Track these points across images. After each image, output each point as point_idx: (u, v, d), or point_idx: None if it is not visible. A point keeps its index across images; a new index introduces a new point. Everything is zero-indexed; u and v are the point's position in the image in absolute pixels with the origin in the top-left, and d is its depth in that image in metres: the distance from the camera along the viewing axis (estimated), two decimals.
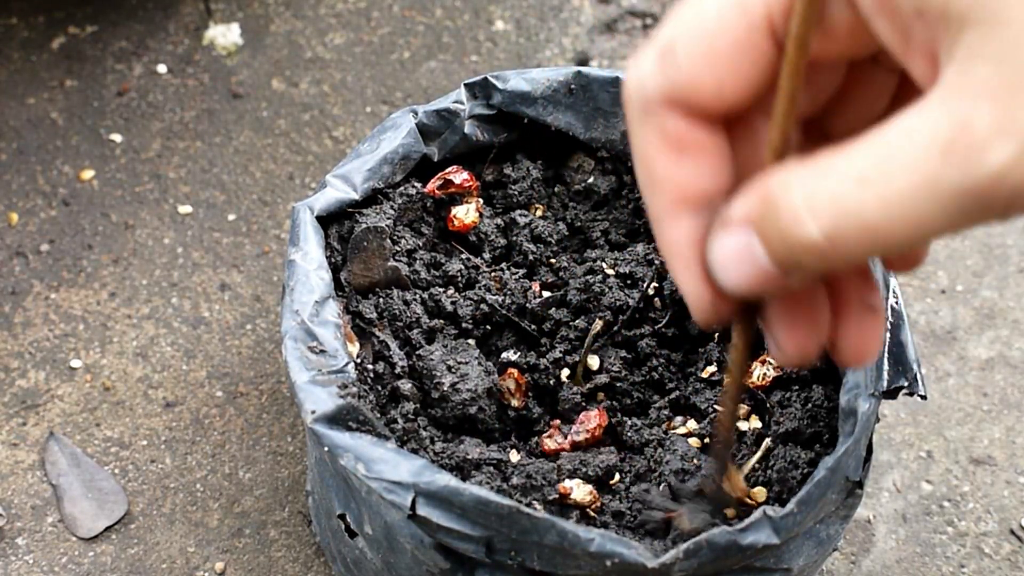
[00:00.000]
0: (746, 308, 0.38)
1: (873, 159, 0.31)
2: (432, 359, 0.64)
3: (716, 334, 0.68)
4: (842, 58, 0.36)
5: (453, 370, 0.64)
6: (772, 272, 0.34)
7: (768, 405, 0.64)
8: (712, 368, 0.67)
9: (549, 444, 0.63)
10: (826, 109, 0.38)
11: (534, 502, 0.60)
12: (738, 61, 0.34)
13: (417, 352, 0.65)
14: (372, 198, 0.68)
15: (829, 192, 0.31)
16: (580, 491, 0.60)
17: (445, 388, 0.63)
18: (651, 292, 0.68)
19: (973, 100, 0.29)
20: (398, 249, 0.68)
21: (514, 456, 0.63)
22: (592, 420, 0.64)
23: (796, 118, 0.35)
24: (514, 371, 0.65)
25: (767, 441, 0.61)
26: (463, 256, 0.70)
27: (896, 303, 0.60)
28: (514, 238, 0.70)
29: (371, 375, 0.63)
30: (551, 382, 0.66)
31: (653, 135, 0.35)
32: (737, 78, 0.34)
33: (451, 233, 0.70)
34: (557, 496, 0.60)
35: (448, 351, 0.65)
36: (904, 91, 0.37)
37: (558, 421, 0.64)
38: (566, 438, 0.64)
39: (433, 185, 0.69)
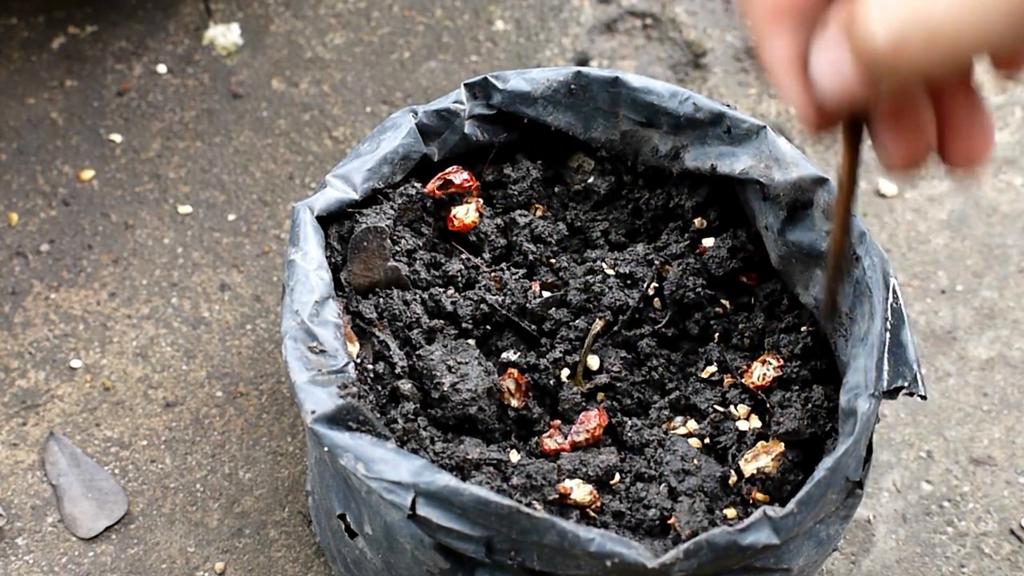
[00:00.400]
0: (852, 119, 0.39)
1: None
2: (432, 359, 0.64)
3: (716, 334, 0.68)
4: None
5: (453, 370, 0.64)
6: (859, 82, 0.34)
7: (768, 405, 0.64)
8: (712, 368, 0.67)
9: (549, 444, 0.64)
10: None
11: (534, 502, 0.60)
12: None
13: (417, 352, 0.65)
14: (372, 198, 0.68)
15: (895, 2, 0.32)
16: (580, 491, 0.60)
17: (445, 388, 0.63)
18: (651, 292, 0.68)
19: None
20: (398, 249, 0.68)
21: (514, 456, 0.63)
22: (592, 420, 0.64)
23: None
24: (514, 371, 0.65)
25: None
26: (463, 256, 0.70)
27: (896, 303, 0.60)
28: (514, 238, 0.70)
29: (371, 375, 0.63)
30: (551, 382, 0.66)
31: None
32: None
33: (451, 233, 0.70)
34: (557, 496, 0.60)
35: (448, 351, 0.65)
36: None
37: (558, 421, 0.64)
38: (566, 438, 0.64)
39: (433, 185, 0.69)
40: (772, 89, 0.99)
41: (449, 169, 0.69)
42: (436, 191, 0.69)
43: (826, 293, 0.56)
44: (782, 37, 0.37)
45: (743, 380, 0.65)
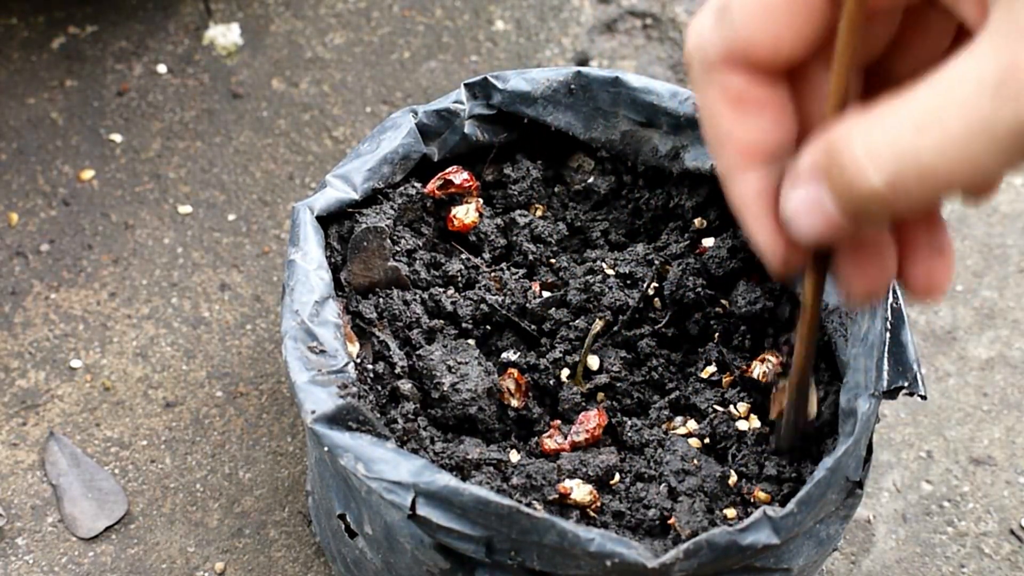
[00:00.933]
0: (817, 255, 0.40)
1: (927, 105, 0.31)
2: (432, 359, 0.64)
3: (716, 334, 0.68)
4: (898, 5, 0.37)
5: (453, 370, 0.64)
6: (841, 221, 0.35)
7: (766, 404, 0.64)
8: (712, 368, 0.67)
9: (549, 444, 0.64)
10: (885, 54, 0.38)
11: (534, 502, 0.60)
12: (793, 15, 0.35)
13: (417, 352, 0.65)
14: (372, 198, 0.68)
15: (888, 141, 0.32)
16: (580, 491, 0.60)
17: (445, 388, 0.63)
18: (651, 292, 0.68)
19: (1020, 40, 0.30)
20: (398, 249, 0.68)
21: (514, 456, 0.63)
22: (592, 420, 0.64)
23: (855, 67, 0.36)
24: (514, 371, 0.65)
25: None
26: (463, 256, 0.70)
27: (896, 303, 0.60)
28: (514, 238, 0.70)
29: (371, 375, 0.63)
30: (551, 382, 0.66)
31: (715, 93, 0.36)
32: (793, 32, 0.35)
33: (451, 233, 0.70)
34: (557, 496, 0.60)
35: (448, 351, 0.65)
36: (962, 35, 0.37)
37: (558, 421, 0.64)
38: (566, 438, 0.64)
39: (433, 185, 0.69)
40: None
41: (449, 169, 0.69)
42: (436, 191, 0.69)
43: (786, 416, 0.57)
44: (751, 176, 0.37)
45: (746, 374, 0.65)
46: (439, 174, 0.69)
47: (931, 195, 0.32)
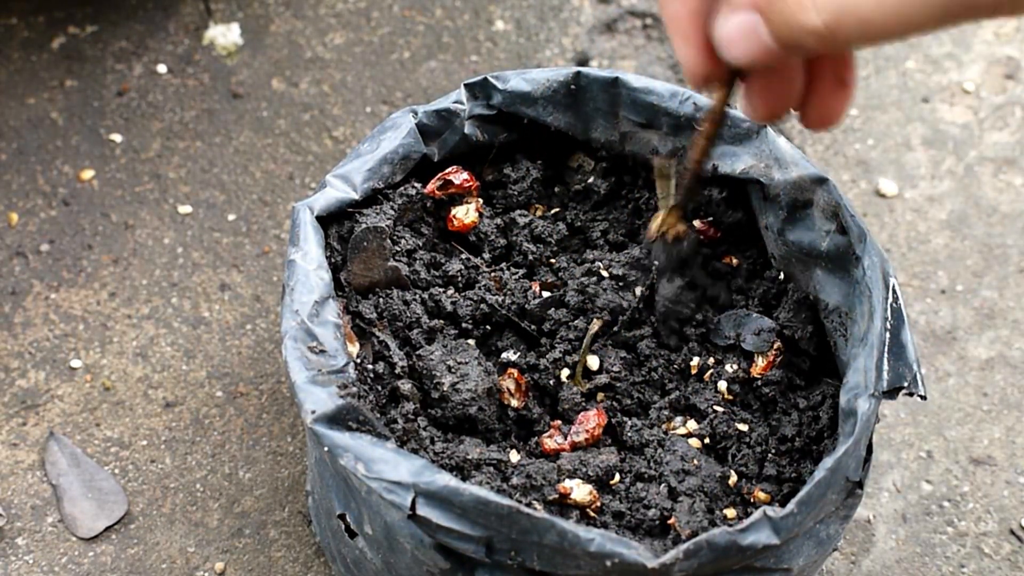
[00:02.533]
0: (731, 72, 0.44)
1: None
2: (432, 359, 0.64)
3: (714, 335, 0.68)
4: None
5: (453, 370, 0.64)
6: (772, 50, 0.39)
7: (766, 404, 0.64)
8: (711, 368, 0.67)
9: (549, 444, 0.64)
10: None
11: (534, 502, 0.60)
12: None
13: (417, 352, 0.65)
14: (372, 198, 0.68)
15: None
16: (580, 491, 0.60)
17: (445, 388, 0.63)
18: (650, 292, 0.68)
19: None
20: (398, 249, 0.68)
21: (514, 456, 0.63)
22: (591, 420, 0.64)
23: None
24: (514, 371, 0.65)
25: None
26: (463, 256, 0.70)
27: (896, 303, 0.60)
28: (514, 238, 0.70)
29: (371, 375, 0.63)
30: (551, 382, 0.66)
31: None
32: None
33: (451, 233, 0.70)
34: (557, 496, 0.60)
35: (448, 351, 0.65)
36: None
37: (558, 421, 0.64)
38: (566, 438, 0.64)
39: (433, 186, 0.69)
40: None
41: (449, 169, 0.69)
42: (436, 191, 0.69)
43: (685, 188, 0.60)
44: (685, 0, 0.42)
45: (749, 372, 0.65)
46: (439, 174, 0.69)
47: (862, 40, 0.36)
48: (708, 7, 0.42)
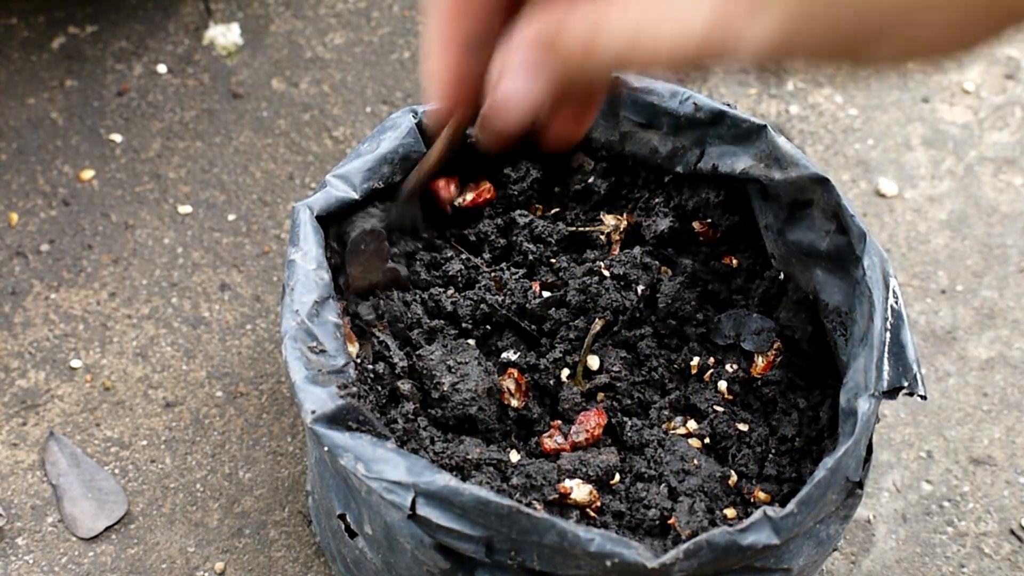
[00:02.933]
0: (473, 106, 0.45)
1: (648, 19, 0.37)
2: (432, 359, 0.64)
3: (714, 335, 0.68)
4: None
5: (453, 370, 0.64)
6: (549, 87, 0.40)
7: (766, 404, 0.64)
8: (711, 368, 0.67)
9: (549, 444, 0.63)
10: None
11: (534, 502, 0.60)
12: None
13: (417, 352, 0.65)
14: (372, 198, 0.68)
15: (616, 20, 0.38)
16: (580, 491, 0.60)
17: (445, 388, 0.63)
18: (650, 293, 0.68)
19: None
20: (396, 251, 0.68)
21: (514, 456, 0.63)
22: (591, 420, 0.64)
23: None
24: (514, 371, 0.65)
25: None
26: (463, 256, 0.70)
27: (896, 303, 0.60)
28: (514, 238, 0.70)
29: (371, 375, 0.63)
30: (551, 382, 0.66)
31: None
32: None
33: (450, 225, 0.71)
34: (557, 496, 0.60)
35: (448, 351, 0.65)
36: None
37: (558, 421, 0.64)
38: (566, 438, 0.64)
39: (455, 197, 0.70)
40: (772, 89, 0.99)
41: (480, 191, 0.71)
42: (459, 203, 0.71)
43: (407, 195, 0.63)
44: (455, 23, 0.42)
45: (750, 371, 0.65)
46: (463, 196, 0.71)
47: (644, 65, 0.38)
48: (483, 37, 0.42)
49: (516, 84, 0.41)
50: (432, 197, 0.70)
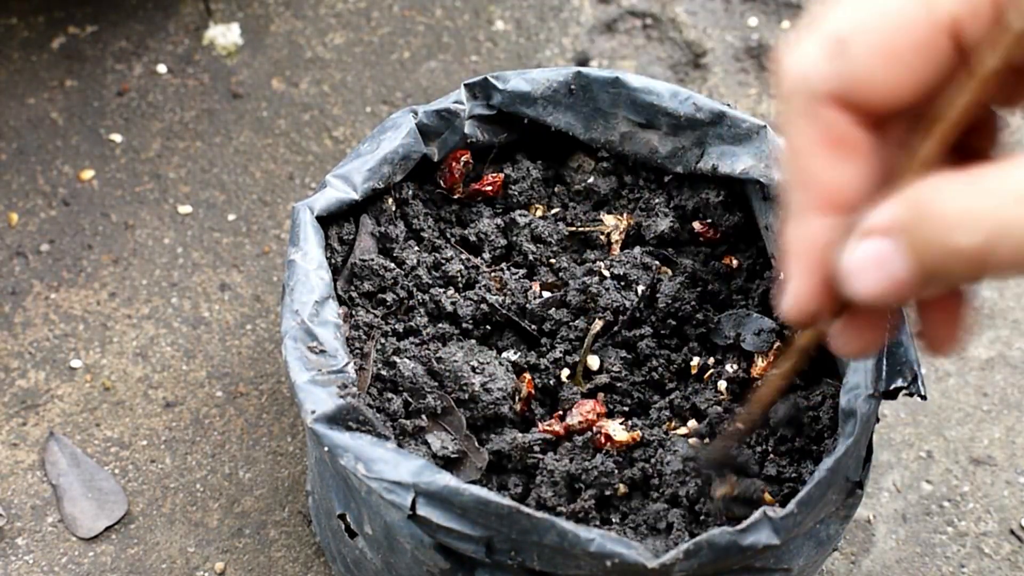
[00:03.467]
0: (840, 310, 0.38)
1: None
2: (456, 360, 0.64)
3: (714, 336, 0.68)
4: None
5: (478, 370, 0.64)
6: (908, 282, 0.33)
7: (766, 404, 0.64)
8: (711, 368, 0.67)
9: (543, 426, 0.64)
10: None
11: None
12: (917, 61, 0.33)
13: (437, 355, 0.65)
14: (372, 198, 0.68)
15: (986, 206, 0.31)
16: (619, 433, 0.60)
17: (476, 388, 0.63)
18: (650, 293, 0.68)
19: None
20: (397, 250, 0.68)
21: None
22: (586, 406, 0.64)
23: (961, 126, 0.34)
24: (526, 376, 0.65)
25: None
26: (463, 256, 0.70)
27: None
28: (514, 238, 0.70)
29: (371, 375, 0.63)
30: (551, 382, 0.66)
31: (813, 131, 0.34)
32: (913, 78, 0.34)
33: (461, 212, 0.71)
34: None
35: (467, 352, 0.65)
36: None
37: (560, 412, 0.65)
38: (562, 423, 0.64)
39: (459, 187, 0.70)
40: (772, 89, 0.99)
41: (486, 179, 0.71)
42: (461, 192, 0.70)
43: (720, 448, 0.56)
44: (817, 224, 0.35)
45: (750, 371, 0.65)
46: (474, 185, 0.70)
47: (1018, 266, 0.32)
48: (838, 238, 0.35)
49: (860, 285, 0.34)
50: (448, 171, 0.70)
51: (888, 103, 0.34)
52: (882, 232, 0.33)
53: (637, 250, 0.69)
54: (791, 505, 0.54)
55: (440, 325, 0.67)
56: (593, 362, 0.66)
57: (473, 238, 0.70)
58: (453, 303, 0.67)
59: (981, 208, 0.31)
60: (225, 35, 0.99)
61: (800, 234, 0.36)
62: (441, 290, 0.68)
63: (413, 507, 0.54)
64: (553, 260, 0.70)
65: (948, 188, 0.32)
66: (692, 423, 0.65)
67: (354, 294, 0.67)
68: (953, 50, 0.33)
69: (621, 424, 0.63)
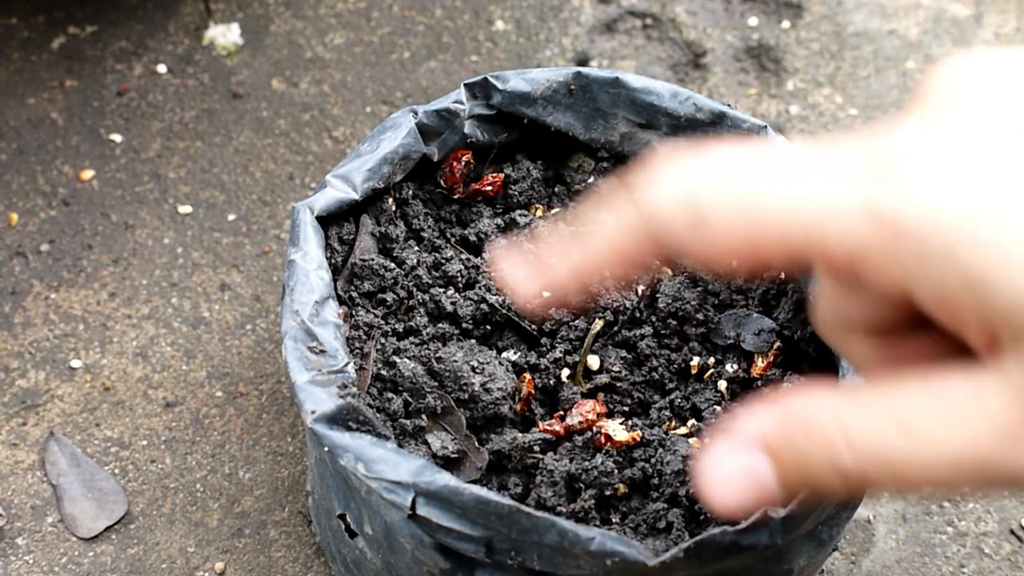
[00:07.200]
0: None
1: (920, 413, 0.31)
2: (456, 360, 0.64)
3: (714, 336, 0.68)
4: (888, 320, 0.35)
5: (478, 370, 0.64)
6: (777, 494, 0.33)
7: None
8: (711, 369, 0.67)
9: (543, 426, 0.64)
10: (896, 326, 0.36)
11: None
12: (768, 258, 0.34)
13: (437, 355, 0.65)
14: (372, 198, 0.68)
15: (868, 431, 0.31)
16: (619, 433, 0.60)
17: (476, 388, 0.63)
18: (650, 293, 0.68)
19: None
20: (397, 250, 0.68)
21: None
22: (586, 406, 0.64)
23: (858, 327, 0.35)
24: (527, 376, 0.65)
25: None
26: (463, 256, 0.70)
27: None
28: (514, 238, 0.70)
29: (371, 375, 0.63)
30: (551, 382, 0.66)
31: (624, 241, 0.35)
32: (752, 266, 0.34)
33: (461, 211, 0.71)
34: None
35: (467, 352, 0.65)
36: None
37: (560, 413, 0.65)
38: (562, 423, 0.64)
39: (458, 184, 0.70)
40: (772, 89, 0.99)
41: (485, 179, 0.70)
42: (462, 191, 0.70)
43: None
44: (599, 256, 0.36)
45: (750, 371, 0.65)
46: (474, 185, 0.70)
47: (891, 490, 0.32)
48: (638, 254, 0.35)
49: (729, 497, 0.33)
50: (448, 170, 0.70)
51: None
52: (754, 444, 0.33)
53: None
54: (792, 505, 0.54)
55: (440, 325, 0.67)
56: (593, 362, 0.66)
57: (473, 238, 0.70)
58: (453, 303, 0.67)
59: (860, 432, 0.31)
60: (225, 35, 0.99)
61: (612, 235, 0.36)
62: (441, 290, 0.68)
63: (413, 507, 0.54)
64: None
65: (830, 406, 0.32)
66: (692, 423, 0.65)
67: (354, 294, 0.67)
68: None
69: (621, 424, 0.63)
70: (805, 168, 0.32)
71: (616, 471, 0.61)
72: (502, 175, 0.72)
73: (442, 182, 0.71)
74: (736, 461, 0.33)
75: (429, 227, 0.70)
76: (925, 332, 0.35)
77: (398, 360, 0.64)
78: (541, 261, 0.37)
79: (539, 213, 0.73)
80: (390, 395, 0.63)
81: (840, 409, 0.32)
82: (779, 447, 0.33)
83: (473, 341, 0.67)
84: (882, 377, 0.33)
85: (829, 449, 0.31)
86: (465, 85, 0.70)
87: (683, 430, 0.65)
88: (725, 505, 0.34)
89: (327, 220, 0.66)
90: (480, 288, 0.68)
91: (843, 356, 0.36)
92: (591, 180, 0.72)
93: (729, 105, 0.68)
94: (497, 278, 0.37)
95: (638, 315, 0.67)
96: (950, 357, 0.34)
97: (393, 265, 0.68)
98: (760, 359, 0.66)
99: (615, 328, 0.67)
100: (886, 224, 0.30)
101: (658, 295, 0.67)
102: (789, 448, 0.32)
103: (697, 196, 0.33)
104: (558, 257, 0.37)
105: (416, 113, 0.69)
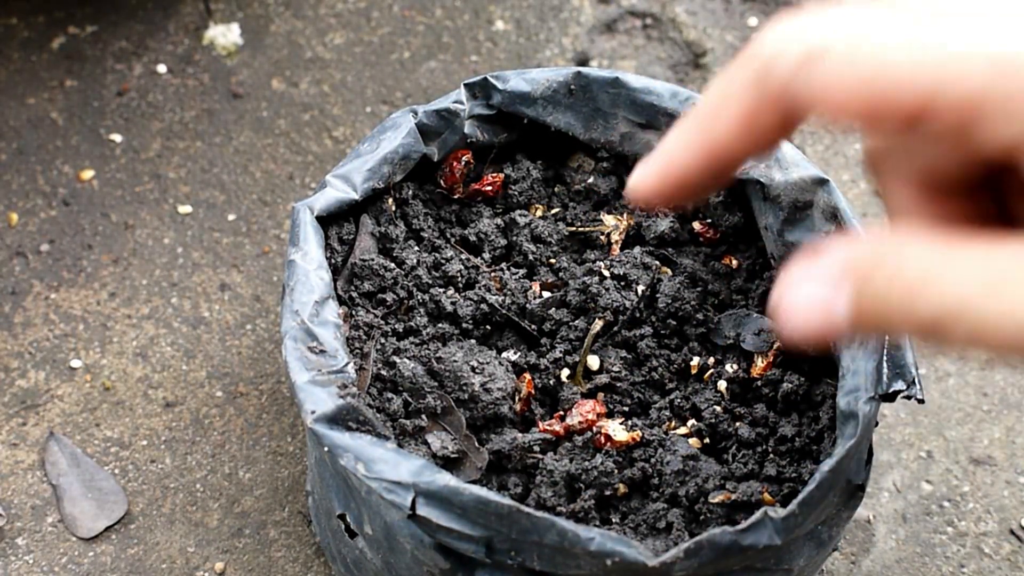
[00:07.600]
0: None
1: (1010, 275, 0.30)
2: (456, 360, 0.64)
3: (714, 336, 0.68)
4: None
5: (478, 370, 0.64)
6: (845, 328, 0.33)
7: (766, 404, 0.64)
8: (711, 368, 0.67)
9: (543, 426, 0.64)
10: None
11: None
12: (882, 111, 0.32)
13: (437, 355, 0.65)
14: (372, 198, 0.68)
15: (953, 283, 0.30)
16: (619, 432, 0.60)
17: (475, 388, 0.63)
18: (650, 293, 0.68)
19: None
20: (397, 250, 0.68)
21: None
22: (586, 406, 0.64)
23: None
24: (527, 376, 0.65)
25: None
26: (463, 256, 0.70)
27: None
28: (514, 238, 0.70)
29: (371, 375, 0.63)
30: (551, 382, 0.66)
31: (749, 103, 0.34)
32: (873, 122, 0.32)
33: (459, 214, 0.71)
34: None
35: (467, 352, 0.65)
36: None
37: (560, 413, 0.65)
38: (562, 423, 0.64)
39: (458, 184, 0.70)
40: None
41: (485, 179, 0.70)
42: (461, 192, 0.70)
43: None
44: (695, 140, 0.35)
45: (750, 371, 0.65)
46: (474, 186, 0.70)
47: (961, 344, 0.31)
48: (743, 147, 0.34)
49: (800, 323, 0.33)
50: (448, 170, 0.70)
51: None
52: (833, 274, 0.33)
53: (637, 250, 0.69)
54: (792, 506, 0.54)
55: (440, 325, 0.67)
56: (593, 362, 0.66)
57: (473, 238, 0.70)
58: (453, 303, 0.67)
59: (942, 283, 0.30)
60: (225, 35, 0.99)
61: (683, 134, 0.35)
62: (441, 290, 0.68)
63: (413, 507, 0.54)
64: (553, 260, 0.70)
65: (915, 250, 0.31)
66: (692, 423, 0.65)
67: (354, 294, 0.67)
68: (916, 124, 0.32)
69: (621, 424, 0.63)
70: (931, 16, 0.31)
71: (616, 471, 0.61)
72: (502, 175, 0.72)
73: (442, 182, 0.71)
74: (812, 290, 0.33)
75: (429, 227, 0.70)
76: (978, 195, 0.34)
77: (398, 360, 0.64)
78: (661, 151, 0.36)
79: (539, 213, 0.73)
80: (390, 395, 0.63)
81: (926, 257, 0.31)
82: (859, 286, 0.32)
83: (473, 341, 0.67)
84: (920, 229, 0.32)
85: (908, 295, 0.31)
86: (465, 85, 0.70)
87: (683, 430, 0.65)
88: (793, 329, 0.34)
89: (327, 220, 0.66)
90: (480, 288, 0.68)
91: (883, 198, 0.35)
92: (591, 180, 0.72)
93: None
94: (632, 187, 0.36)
95: (638, 315, 0.67)
96: (995, 224, 0.33)
97: (393, 265, 0.68)
98: (760, 359, 0.66)
99: (615, 328, 0.67)
100: (1010, 73, 0.29)
101: (658, 295, 0.67)
102: (869, 288, 0.32)
103: (814, 34, 0.32)
104: (676, 144, 0.35)
105: (416, 113, 0.69)
